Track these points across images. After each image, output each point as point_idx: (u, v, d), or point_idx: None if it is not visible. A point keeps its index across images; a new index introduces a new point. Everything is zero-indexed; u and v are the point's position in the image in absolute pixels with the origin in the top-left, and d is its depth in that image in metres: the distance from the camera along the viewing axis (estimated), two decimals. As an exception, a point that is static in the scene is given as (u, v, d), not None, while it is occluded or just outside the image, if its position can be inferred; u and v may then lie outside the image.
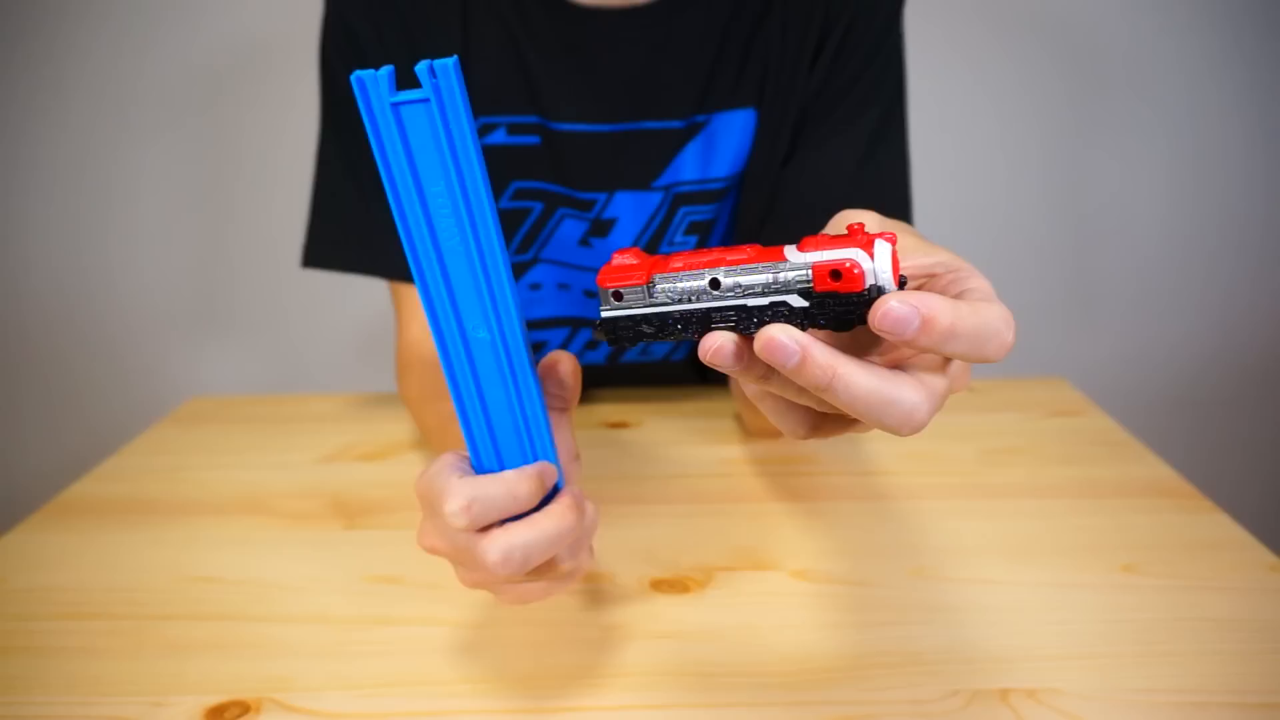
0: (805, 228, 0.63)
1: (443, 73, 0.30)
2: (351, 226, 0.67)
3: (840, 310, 0.28)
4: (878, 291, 0.28)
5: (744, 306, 0.29)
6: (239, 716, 0.42)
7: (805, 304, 0.28)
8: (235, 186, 1.34)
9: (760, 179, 0.66)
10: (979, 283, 0.31)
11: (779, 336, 0.27)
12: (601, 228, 0.68)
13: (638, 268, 0.31)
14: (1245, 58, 1.24)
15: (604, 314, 0.32)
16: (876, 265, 0.28)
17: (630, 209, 0.67)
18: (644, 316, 0.31)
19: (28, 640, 0.48)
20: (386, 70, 0.30)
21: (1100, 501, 0.60)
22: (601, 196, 0.67)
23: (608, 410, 0.78)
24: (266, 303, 1.41)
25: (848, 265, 0.27)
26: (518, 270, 0.69)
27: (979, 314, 0.28)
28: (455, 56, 0.30)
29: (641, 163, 0.67)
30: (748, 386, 0.32)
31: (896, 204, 0.66)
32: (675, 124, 0.66)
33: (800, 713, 0.41)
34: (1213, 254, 1.33)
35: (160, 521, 0.61)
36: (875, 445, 0.69)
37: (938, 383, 0.29)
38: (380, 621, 0.49)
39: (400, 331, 0.69)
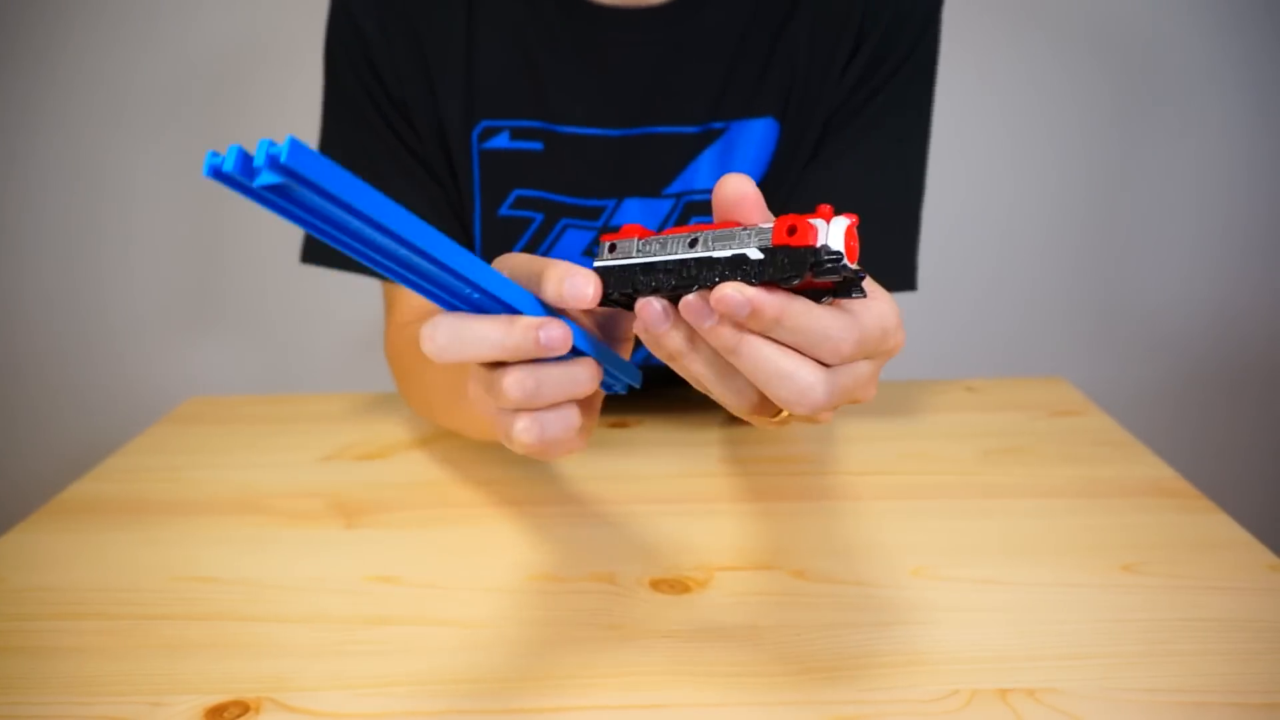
0: None
1: (291, 154, 0.25)
2: None
3: (786, 264, 0.30)
4: (827, 252, 0.30)
5: (709, 258, 0.32)
6: (238, 716, 0.42)
7: (760, 256, 0.31)
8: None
9: (777, 190, 0.64)
10: (877, 296, 0.33)
11: (698, 300, 0.31)
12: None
13: (634, 231, 0.35)
14: (1250, 60, 1.24)
15: (596, 264, 0.35)
16: (830, 232, 0.30)
17: (639, 216, 0.66)
18: (633, 266, 0.34)
19: (26, 640, 0.48)
20: (233, 150, 0.26)
21: (1101, 501, 0.60)
22: (610, 203, 0.66)
23: (608, 410, 0.78)
24: (264, 302, 1.41)
25: (805, 222, 0.30)
26: None
27: (812, 314, 0.30)
28: (290, 137, 0.26)
29: (653, 169, 0.65)
30: (677, 364, 0.34)
31: (907, 211, 0.64)
32: (690, 129, 0.64)
33: (800, 712, 0.41)
34: (1212, 254, 1.33)
35: (159, 521, 0.61)
36: (875, 445, 0.69)
37: (840, 374, 0.31)
38: (380, 621, 0.49)
39: (388, 320, 0.69)
